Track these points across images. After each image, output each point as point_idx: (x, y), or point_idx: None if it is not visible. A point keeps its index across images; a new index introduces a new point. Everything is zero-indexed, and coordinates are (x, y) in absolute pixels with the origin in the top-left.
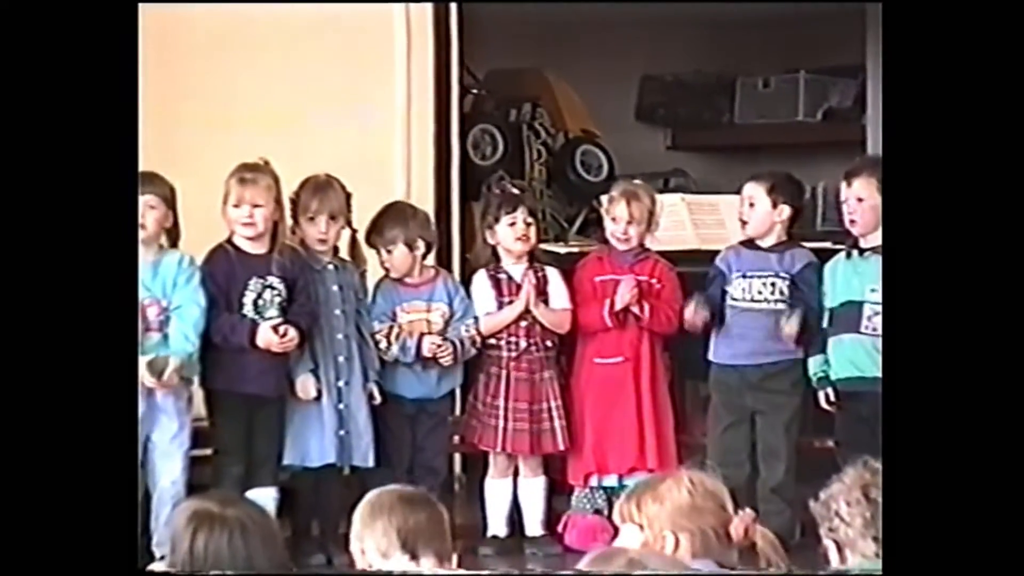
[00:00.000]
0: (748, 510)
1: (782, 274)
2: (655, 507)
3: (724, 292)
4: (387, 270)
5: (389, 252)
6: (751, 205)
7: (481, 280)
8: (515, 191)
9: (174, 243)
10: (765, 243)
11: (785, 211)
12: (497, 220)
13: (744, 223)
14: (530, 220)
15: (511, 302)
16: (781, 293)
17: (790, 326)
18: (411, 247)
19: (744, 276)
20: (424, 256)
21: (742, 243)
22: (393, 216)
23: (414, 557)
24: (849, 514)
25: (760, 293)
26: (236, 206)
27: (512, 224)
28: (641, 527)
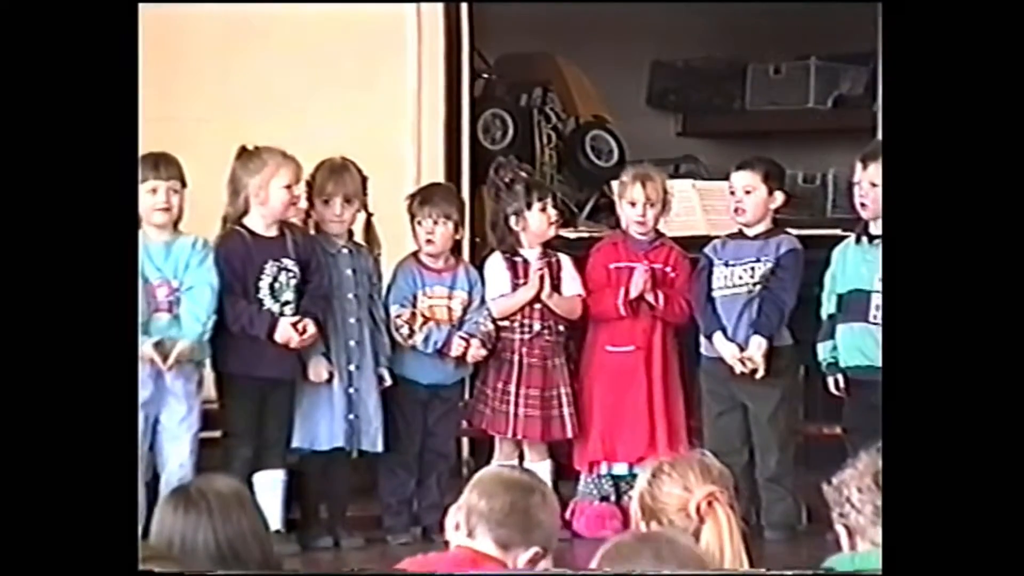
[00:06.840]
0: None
1: (763, 259)
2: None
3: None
4: (420, 246)
5: (435, 224)
6: (747, 192)
7: (497, 262)
8: (536, 177)
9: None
10: (752, 232)
11: (779, 198)
12: (529, 206)
13: (740, 211)
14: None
15: (526, 284)
16: (762, 277)
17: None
18: (456, 228)
19: (727, 264)
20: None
21: (729, 234)
22: (444, 193)
23: (471, 536)
24: (860, 500)
25: (740, 278)
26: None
27: (543, 210)
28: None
